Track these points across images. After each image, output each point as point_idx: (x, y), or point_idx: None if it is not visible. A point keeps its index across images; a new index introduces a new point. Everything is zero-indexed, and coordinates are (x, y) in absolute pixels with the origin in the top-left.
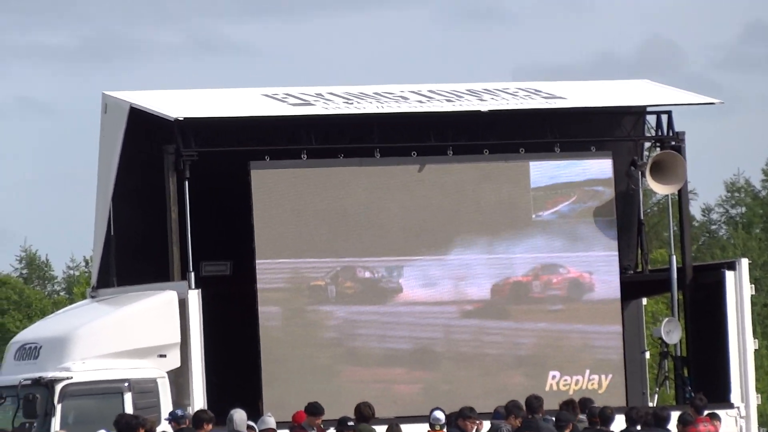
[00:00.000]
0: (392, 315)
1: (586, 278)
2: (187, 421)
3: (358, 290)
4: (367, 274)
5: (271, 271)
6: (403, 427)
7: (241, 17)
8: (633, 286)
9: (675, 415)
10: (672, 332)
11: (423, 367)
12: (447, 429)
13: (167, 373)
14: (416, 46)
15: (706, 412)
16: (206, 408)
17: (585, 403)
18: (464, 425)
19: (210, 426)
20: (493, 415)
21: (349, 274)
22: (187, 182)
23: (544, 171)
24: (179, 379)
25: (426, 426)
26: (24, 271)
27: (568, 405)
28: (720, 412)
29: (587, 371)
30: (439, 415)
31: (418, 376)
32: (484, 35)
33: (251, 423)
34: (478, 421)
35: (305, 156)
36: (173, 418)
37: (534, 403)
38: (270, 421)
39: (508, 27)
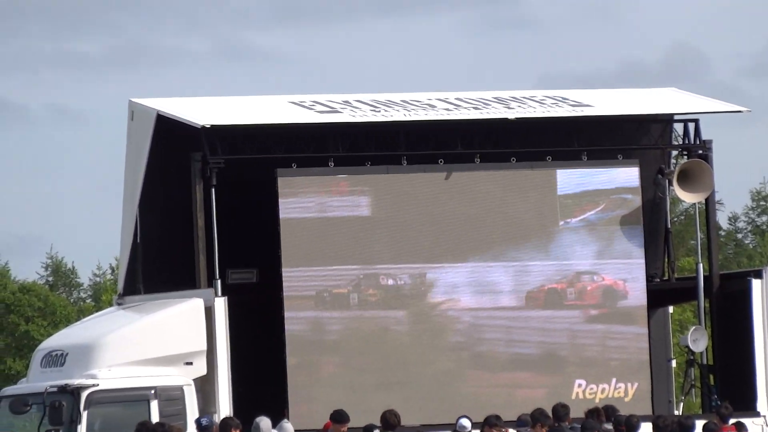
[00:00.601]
0: (421, 321)
1: (613, 286)
2: (214, 429)
3: (381, 297)
4: (391, 282)
5: (297, 279)
6: None
7: (268, 24)
8: (659, 294)
9: (700, 424)
10: (698, 340)
11: (448, 376)
12: None
13: (193, 380)
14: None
15: (732, 421)
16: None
17: (611, 411)
18: None
19: None
20: (517, 423)
21: (372, 282)
22: (213, 189)
23: (571, 179)
24: (205, 386)
25: None
26: (50, 279)
27: (593, 413)
28: (746, 421)
29: (614, 379)
30: (465, 422)
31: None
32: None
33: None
34: (504, 429)
35: (332, 163)
36: (199, 426)
37: (560, 411)
38: (288, 427)
39: (535, 35)
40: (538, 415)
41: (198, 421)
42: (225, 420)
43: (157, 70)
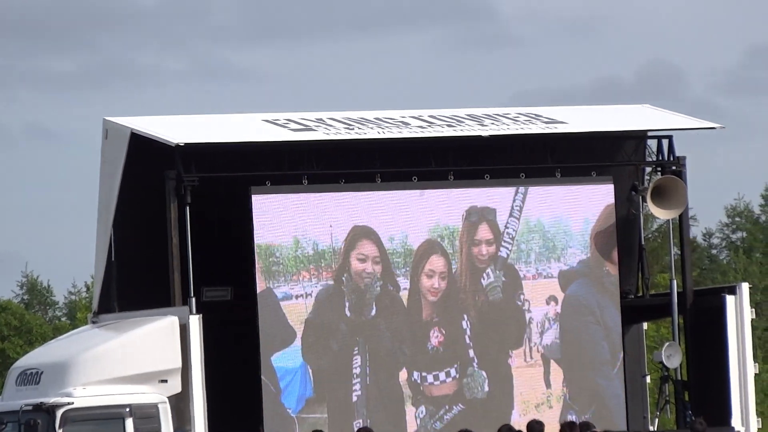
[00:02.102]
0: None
1: (586, 302)
2: None
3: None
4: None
5: (271, 296)
6: None
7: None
8: (634, 311)
9: None
10: (672, 356)
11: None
12: None
13: (168, 398)
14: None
15: None
16: None
17: (585, 428)
18: None
19: None
20: None
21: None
22: (188, 207)
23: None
24: (180, 404)
25: None
26: (25, 297)
27: (571, 426)
28: None
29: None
30: None
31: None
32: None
33: None
34: None
35: (306, 181)
36: None
37: (535, 427)
38: None
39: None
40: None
41: None
42: None
43: (134, 89)
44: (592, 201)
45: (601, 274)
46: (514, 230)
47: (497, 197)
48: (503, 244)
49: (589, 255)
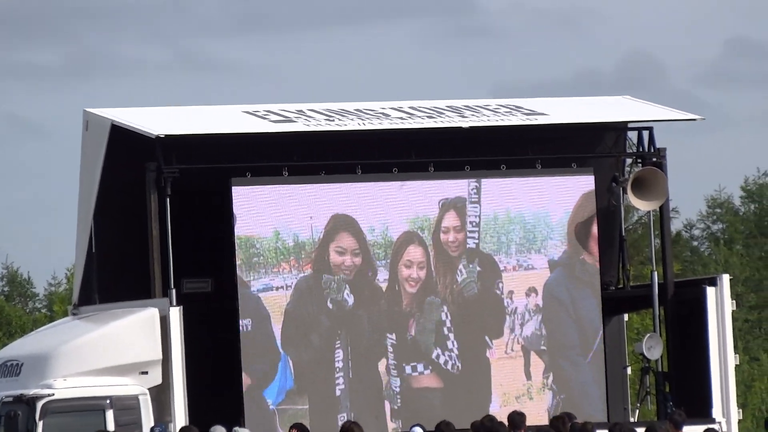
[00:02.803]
0: (375, 328)
1: (566, 293)
2: None
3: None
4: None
5: (251, 287)
6: None
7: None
8: (614, 302)
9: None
10: (653, 348)
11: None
12: None
13: (149, 389)
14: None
15: (696, 429)
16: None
17: (567, 419)
18: None
19: None
20: (473, 430)
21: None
22: (168, 199)
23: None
24: (161, 395)
25: None
26: (5, 289)
27: (558, 420)
28: (701, 428)
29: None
30: (418, 431)
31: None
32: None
33: None
34: None
35: (286, 173)
36: None
37: (516, 419)
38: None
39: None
40: (490, 424)
41: (152, 430)
42: (183, 429)
43: (116, 80)
44: (572, 192)
45: (582, 266)
46: (477, 217)
47: (475, 188)
48: (469, 234)
49: (569, 246)
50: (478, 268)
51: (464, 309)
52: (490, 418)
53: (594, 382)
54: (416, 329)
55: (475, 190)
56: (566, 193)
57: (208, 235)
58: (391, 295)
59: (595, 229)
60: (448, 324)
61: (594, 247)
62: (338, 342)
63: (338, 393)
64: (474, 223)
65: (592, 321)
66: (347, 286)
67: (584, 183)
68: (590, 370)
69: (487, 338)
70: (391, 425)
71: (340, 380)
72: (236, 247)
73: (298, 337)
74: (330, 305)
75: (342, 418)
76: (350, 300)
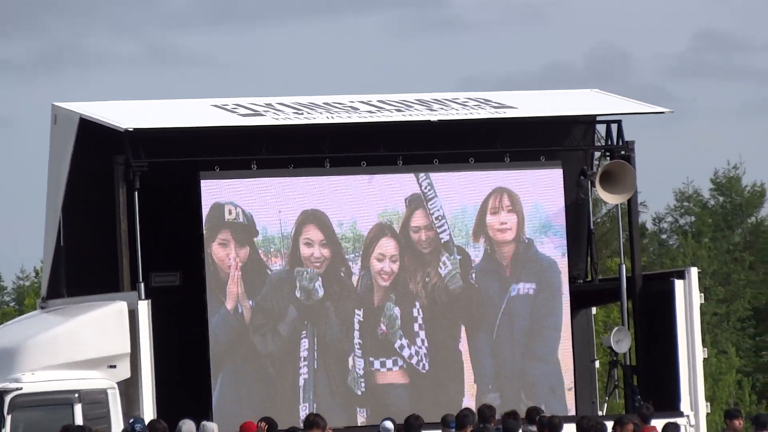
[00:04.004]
0: (346, 323)
1: (535, 286)
2: None
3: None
4: (317, 286)
5: (222, 283)
6: None
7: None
8: (582, 296)
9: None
10: (621, 341)
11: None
12: None
13: (117, 383)
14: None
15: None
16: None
17: (534, 413)
18: None
19: None
20: (443, 423)
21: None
22: (137, 193)
23: (494, 180)
24: (129, 389)
25: None
26: None
27: (510, 416)
28: (669, 421)
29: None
30: (389, 425)
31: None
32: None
33: None
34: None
35: (255, 166)
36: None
37: (486, 412)
38: (210, 426)
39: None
40: (462, 417)
41: (132, 427)
42: (152, 423)
43: (85, 74)
44: (540, 186)
45: (550, 259)
46: (441, 211)
47: (442, 182)
48: (439, 228)
49: (537, 239)
50: (458, 257)
51: (436, 304)
52: (469, 411)
53: (562, 376)
54: (386, 323)
55: (441, 184)
56: (535, 187)
57: (177, 228)
58: (362, 288)
59: (563, 222)
60: (420, 319)
61: (564, 240)
62: (304, 333)
63: (301, 384)
64: (440, 217)
65: (559, 314)
66: (319, 278)
67: (553, 176)
68: (558, 363)
69: (458, 333)
70: (359, 419)
71: (305, 371)
72: (204, 241)
73: (266, 328)
74: (298, 298)
75: (304, 409)
76: (320, 292)
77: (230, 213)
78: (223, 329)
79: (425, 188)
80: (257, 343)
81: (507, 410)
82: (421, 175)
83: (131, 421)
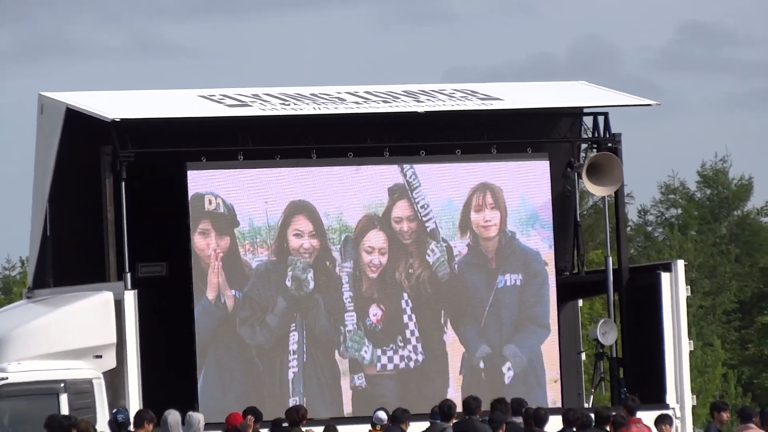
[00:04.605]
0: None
1: (521, 279)
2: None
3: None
4: (303, 275)
5: (204, 274)
6: (344, 427)
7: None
8: (569, 288)
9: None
10: (608, 333)
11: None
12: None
13: (103, 373)
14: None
15: (649, 415)
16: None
17: (518, 404)
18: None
19: (151, 426)
20: (431, 415)
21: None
22: (123, 183)
23: (480, 172)
24: (115, 380)
25: (367, 426)
26: None
27: (500, 403)
28: (655, 414)
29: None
30: (382, 415)
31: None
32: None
33: None
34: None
35: (242, 157)
36: (115, 422)
37: (471, 403)
38: (196, 417)
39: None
40: (447, 408)
41: (114, 417)
42: (139, 413)
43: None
44: (527, 178)
45: (536, 251)
46: (426, 201)
47: (428, 173)
48: (425, 217)
49: (524, 231)
50: (444, 246)
51: (424, 295)
52: (450, 404)
53: (547, 368)
54: (375, 316)
55: (426, 175)
56: (522, 179)
57: (164, 219)
58: (351, 280)
59: (549, 214)
60: (408, 310)
61: (550, 232)
62: (294, 326)
63: (291, 377)
64: (425, 206)
65: (546, 306)
66: (311, 270)
67: (539, 168)
68: (544, 355)
69: (444, 324)
70: (347, 410)
71: (294, 364)
72: (191, 231)
73: (254, 320)
74: (286, 289)
75: (294, 402)
76: (311, 284)
77: (210, 203)
78: (207, 319)
79: (410, 178)
80: (245, 335)
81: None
82: (406, 166)
83: (114, 411)
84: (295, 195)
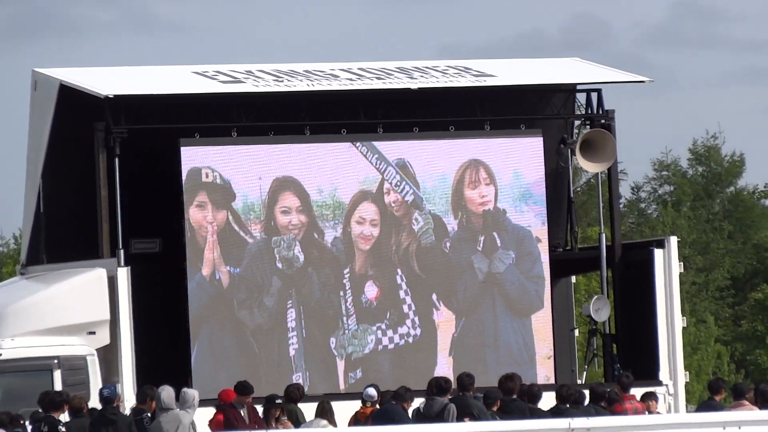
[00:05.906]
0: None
1: (514, 254)
2: (116, 399)
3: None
4: (297, 252)
5: (200, 249)
6: (336, 404)
7: None
8: (562, 264)
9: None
10: (601, 310)
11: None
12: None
13: (97, 350)
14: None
15: (643, 391)
16: (134, 384)
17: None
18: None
19: (154, 402)
20: (427, 392)
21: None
22: (117, 159)
23: (474, 148)
24: (108, 356)
25: (358, 403)
26: None
27: (509, 378)
28: (648, 390)
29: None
30: (372, 392)
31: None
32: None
33: None
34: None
35: (235, 133)
36: (101, 397)
37: (465, 380)
38: (190, 393)
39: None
40: (443, 383)
41: (100, 392)
42: (143, 389)
43: (64, 40)
44: (521, 154)
45: (530, 227)
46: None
47: (424, 149)
48: (415, 191)
49: (517, 208)
50: (431, 218)
51: (416, 271)
52: (445, 380)
53: (540, 344)
54: (371, 292)
55: (420, 152)
56: (515, 155)
57: (157, 195)
58: (343, 254)
59: (543, 190)
60: (404, 286)
61: (544, 209)
62: (290, 303)
63: (292, 354)
64: (416, 183)
65: (539, 281)
66: (297, 243)
67: (533, 144)
68: (538, 331)
69: (436, 301)
70: (342, 386)
71: (294, 340)
72: (187, 205)
73: (250, 299)
74: (280, 265)
75: (297, 378)
76: (300, 258)
77: (207, 176)
78: (201, 295)
79: (403, 154)
80: (244, 318)
81: (489, 378)
82: (399, 142)
83: (100, 387)
84: (288, 170)
